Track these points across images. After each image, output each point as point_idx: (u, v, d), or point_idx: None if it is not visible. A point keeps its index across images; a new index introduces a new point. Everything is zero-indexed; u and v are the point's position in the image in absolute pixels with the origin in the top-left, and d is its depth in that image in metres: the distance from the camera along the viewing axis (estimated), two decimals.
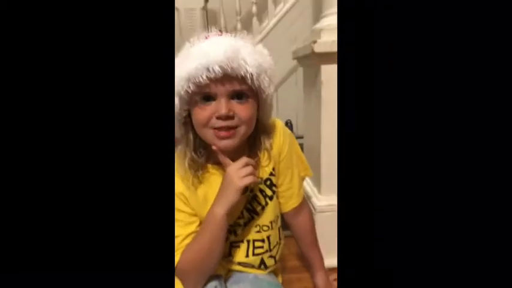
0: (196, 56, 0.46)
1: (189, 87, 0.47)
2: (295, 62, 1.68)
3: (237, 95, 0.49)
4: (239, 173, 0.50)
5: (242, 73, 0.47)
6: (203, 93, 0.48)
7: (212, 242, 0.53)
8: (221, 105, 0.48)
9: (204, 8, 1.62)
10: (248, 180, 0.51)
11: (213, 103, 0.49)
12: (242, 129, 0.51)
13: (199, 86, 0.47)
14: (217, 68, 0.45)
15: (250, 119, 0.51)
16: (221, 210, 0.51)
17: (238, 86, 0.48)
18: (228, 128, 0.49)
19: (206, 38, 0.50)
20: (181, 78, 0.47)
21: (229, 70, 0.46)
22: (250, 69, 0.47)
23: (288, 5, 1.75)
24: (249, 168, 0.51)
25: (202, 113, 0.49)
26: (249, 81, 0.48)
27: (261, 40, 1.76)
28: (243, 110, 0.49)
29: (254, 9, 1.76)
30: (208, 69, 0.45)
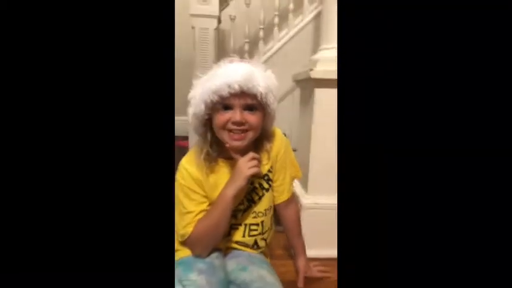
0: (222, 76, 0.62)
1: (214, 98, 0.62)
2: (293, 84, 1.87)
3: (249, 107, 0.65)
4: (247, 164, 0.66)
5: (254, 91, 0.63)
6: (224, 104, 0.64)
7: (220, 217, 0.67)
8: (236, 114, 0.63)
9: (217, 29, 1.81)
10: (254, 170, 0.66)
11: (230, 111, 0.64)
12: (250, 134, 0.66)
13: (221, 97, 0.62)
14: (236, 86, 0.61)
15: (257, 126, 0.67)
16: (230, 192, 0.66)
17: (250, 100, 0.64)
18: (240, 131, 0.65)
19: (230, 62, 0.66)
20: (210, 90, 0.62)
21: (245, 88, 0.62)
22: (260, 89, 0.63)
23: (291, 33, 1.96)
24: (255, 161, 0.67)
25: (222, 118, 0.64)
26: (259, 98, 0.64)
27: (265, 61, 1.95)
28: (252, 119, 0.65)
29: (261, 34, 1.96)
30: (230, 86, 0.61)
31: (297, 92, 1.82)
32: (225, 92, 0.61)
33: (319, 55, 0.94)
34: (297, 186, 1.05)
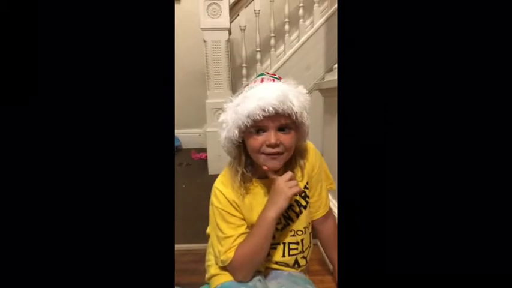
0: (254, 99, 0.61)
1: (248, 122, 0.61)
2: (308, 88, 1.83)
3: (283, 128, 0.63)
4: (288, 183, 0.64)
5: (289, 112, 0.61)
6: (257, 126, 0.62)
7: (263, 240, 0.65)
8: (271, 136, 0.62)
9: (228, 40, 1.81)
10: (295, 189, 0.64)
11: (265, 134, 0.63)
12: (285, 154, 0.65)
13: (255, 121, 0.61)
14: (271, 109, 0.59)
15: (292, 147, 0.66)
16: (272, 214, 0.64)
17: (284, 121, 0.62)
18: (275, 153, 0.63)
19: (261, 81, 0.65)
20: (243, 115, 0.61)
21: (280, 110, 0.60)
22: (295, 109, 0.61)
23: (303, 38, 1.95)
24: (295, 181, 0.65)
25: (256, 142, 0.63)
26: (294, 118, 0.62)
27: (278, 69, 1.95)
28: (286, 140, 0.64)
29: (272, 41, 1.96)
30: (264, 110, 0.59)
31: (314, 98, 1.80)
32: (259, 116, 0.60)
33: None
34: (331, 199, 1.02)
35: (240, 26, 1.89)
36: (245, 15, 1.88)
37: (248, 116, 0.60)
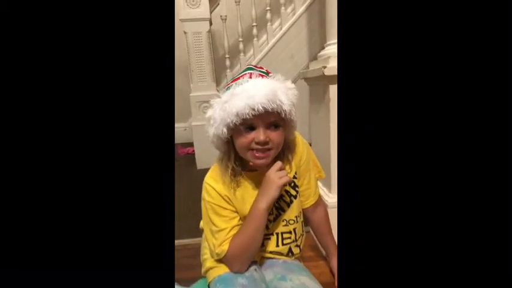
0: (243, 97, 0.60)
1: (237, 120, 0.60)
2: (292, 77, 1.84)
3: (272, 125, 0.63)
4: (278, 174, 0.64)
5: (279, 110, 0.61)
6: (246, 124, 0.62)
7: (256, 231, 0.66)
8: (260, 134, 0.62)
9: (209, 31, 1.77)
10: (286, 179, 0.65)
11: (254, 132, 0.62)
12: (273, 151, 0.65)
13: (244, 119, 0.60)
14: (260, 108, 0.58)
15: (280, 143, 0.66)
16: (264, 205, 0.64)
17: (273, 118, 0.62)
18: (264, 150, 0.63)
19: (249, 77, 0.64)
20: (231, 113, 0.60)
21: (269, 109, 0.59)
22: (285, 107, 0.61)
23: (286, 26, 1.93)
24: (284, 171, 0.65)
25: (245, 139, 0.63)
26: (283, 115, 0.62)
27: (262, 58, 1.93)
28: (276, 137, 0.64)
29: (255, 31, 1.93)
30: (253, 109, 0.59)
31: (299, 86, 1.80)
32: (248, 115, 0.59)
33: (327, 51, 0.92)
34: (320, 187, 1.04)
35: (221, 16, 1.84)
36: (225, 4, 1.83)
37: (237, 115, 0.60)
